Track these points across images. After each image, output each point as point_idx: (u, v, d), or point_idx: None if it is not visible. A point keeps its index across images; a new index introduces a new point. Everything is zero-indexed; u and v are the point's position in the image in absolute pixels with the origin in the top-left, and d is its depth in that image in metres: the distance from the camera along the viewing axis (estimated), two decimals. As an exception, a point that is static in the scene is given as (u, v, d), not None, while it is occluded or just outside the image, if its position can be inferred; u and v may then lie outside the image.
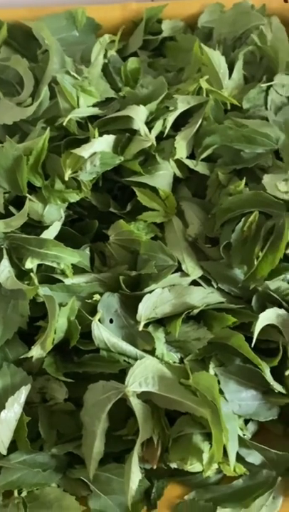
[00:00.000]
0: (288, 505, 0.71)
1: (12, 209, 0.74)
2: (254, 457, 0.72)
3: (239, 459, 0.71)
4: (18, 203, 0.74)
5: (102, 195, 0.79)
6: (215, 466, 0.70)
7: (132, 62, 0.83)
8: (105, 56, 0.83)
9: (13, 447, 0.70)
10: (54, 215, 0.75)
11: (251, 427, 0.74)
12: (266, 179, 0.73)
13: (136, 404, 0.67)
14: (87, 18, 0.87)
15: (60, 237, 0.73)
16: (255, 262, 0.71)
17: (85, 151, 0.72)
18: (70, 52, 0.82)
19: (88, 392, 0.68)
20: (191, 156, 0.80)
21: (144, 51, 0.90)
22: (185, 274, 0.73)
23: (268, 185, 0.72)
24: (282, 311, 0.71)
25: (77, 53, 0.83)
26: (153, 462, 0.70)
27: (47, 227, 0.73)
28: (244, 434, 0.72)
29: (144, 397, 0.68)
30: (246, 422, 0.74)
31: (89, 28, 0.88)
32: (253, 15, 0.86)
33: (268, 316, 0.70)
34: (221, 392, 0.70)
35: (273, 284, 0.72)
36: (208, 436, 0.69)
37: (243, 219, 0.72)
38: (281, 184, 0.71)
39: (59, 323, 0.69)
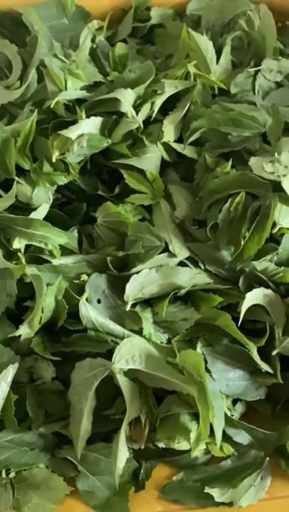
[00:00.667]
0: (276, 485, 0.71)
1: (1, 192, 0.75)
2: (242, 437, 0.72)
3: (227, 438, 0.71)
4: (7, 186, 0.75)
5: (91, 178, 0.79)
6: (203, 446, 0.71)
7: (120, 48, 0.84)
8: (94, 41, 0.84)
9: (0, 427, 0.70)
10: (42, 198, 0.75)
11: (239, 408, 0.74)
12: (253, 161, 0.73)
13: (123, 382, 0.67)
14: (76, 6, 0.88)
15: (49, 220, 0.73)
16: (242, 242, 0.71)
17: (72, 133, 0.72)
18: (59, 39, 0.83)
19: (75, 371, 0.69)
20: (180, 141, 0.80)
21: (133, 38, 0.91)
22: (172, 255, 0.73)
23: (254, 167, 0.72)
24: (269, 292, 0.72)
25: (65, 40, 0.84)
26: (141, 442, 0.70)
27: (35, 209, 0.73)
28: (232, 415, 0.72)
29: (131, 375, 0.68)
30: (234, 402, 0.74)
31: (78, 16, 0.89)
32: (240, 1, 0.87)
33: (255, 296, 0.71)
34: (209, 371, 0.70)
35: (260, 265, 0.72)
36: (195, 416, 0.69)
37: (229, 200, 0.73)
38: (268, 165, 0.72)
39: (46, 302, 0.69)
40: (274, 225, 0.71)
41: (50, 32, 0.83)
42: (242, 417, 0.74)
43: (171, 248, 0.73)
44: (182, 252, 0.74)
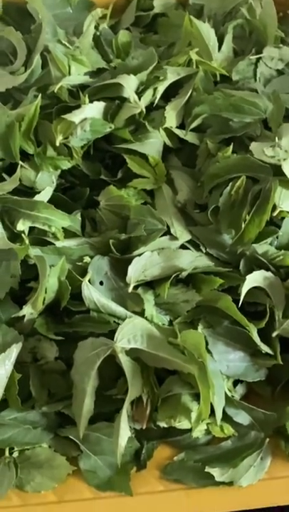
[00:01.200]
0: (276, 465, 0.72)
1: (6, 176, 0.76)
2: (242, 417, 0.73)
3: (227, 419, 0.72)
4: (12, 170, 0.76)
5: (94, 163, 0.81)
6: (203, 426, 0.72)
7: (123, 35, 0.85)
8: (97, 29, 0.85)
9: (4, 406, 0.71)
10: (46, 182, 0.76)
11: (240, 389, 0.75)
12: (253, 145, 0.74)
13: (125, 361, 0.68)
14: (80, -4, 0.89)
15: (52, 204, 0.74)
16: (243, 226, 0.72)
17: (75, 117, 0.73)
18: (63, 27, 0.84)
19: (78, 350, 0.70)
20: (182, 127, 0.81)
21: (136, 27, 0.92)
22: (174, 238, 0.74)
23: (255, 151, 0.73)
24: (269, 274, 0.73)
25: (69, 28, 0.85)
26: (143, 422, 0.71)
27: (39, 192, 0.75)
28: (233, 396, 0.73)
29: (133, 354, 0.69)
30: (235, 384, 0.75)
31: (82, 6, 0.90)
32: (242, -10, 0.88)
33: (255, 278, 0.72)
34: (210, 353, 0.71)
35: (261, 248, 0.73)
36: (196, 397, 0.70)
37: (230, 184, 0.74)
38: (268, 150, 0.73)
39: (49, 282, 0.70)
40: (274, 208, 0.72)
41: (55, 20, 0.84)
42: (242, 399, 0.74)
43: (172, 231, 0.74)
44: (184, 235, 0.75)
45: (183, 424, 0.70)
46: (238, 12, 0.88)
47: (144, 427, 0.71)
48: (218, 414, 0.68)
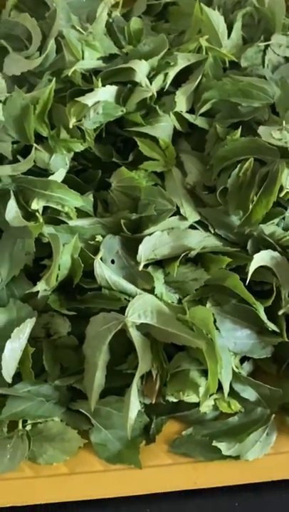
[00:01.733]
0: (281, 441, 0.73)
1: (20, 158, 0.78)
2: (249, 393, 0.75)
3: (234, 394, 0.74)
4: (26, 152, 0.78)
5: (106, 146, 0.83)
6: (211, 402, 0.74)
7: (135, 23, 0.86)
8: (110, 16, 0.87)
9: (18, 380, 0.73)
10: (60, 164, 0.78)
11: (247, 366, 0.77)
12: (261, 129, 0.76)
13: (135, 336, 0.70)
14: (93, -16, 0.91)
15: (66, 185, 0.76)
16: (250, 207, 0.74)
17: (88, 99, 0.75)
18: (76, 14, 0.86)
19: (90, 325, 0.72)
20: (192, 112, 0.83)
21: (147, 16, 0.94)
22: (183, 218, 0.76)
23: (262, 134, 0.75)
24: (276, 254, 0.75)
25: (83, 15, 0.87)
26: (152, 397, 0.73)
27: (53, 174, 0.77)
28: (239, 372, 0.75)
29: (143, 329, 0.71)
30: (242, 362, 0.77)
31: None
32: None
33: (262, 257, 0.73)
34: (218, 330, 0.73)
35: (268, 229, 0.75)
36: (204, 373, 0.72)
37: (238, 166, 0.76)
38: (276, 133, 0.75)
39: (63, 259, 0.72)
40: (281, 189, 0.73)
41: (69, 8, 0.86)
42: (249, 376, 0.76)
43: (182, 212, 0.76)
44: (193, 216, 0.77)
45: (191, 398, 0.72)
46: (246, 0, 0.90)
47: (153, 402, 0.73)
48: (226, 388, 0.70)
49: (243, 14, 0.88)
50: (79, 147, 0.78)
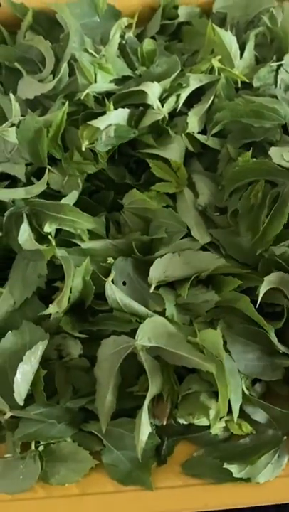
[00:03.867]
0: (293, 463, 0.73)
1: (34, 180, 0.79)
2: (260, 415, 0.75)
3: (245, 417, 0.74)
4: (40, 174, 0.78)
5: (118, 168, 0.83)
6: (222, 424, 0.74)
7: (148, 44, 0.87)
8: (123, 38, 0.87)
9: (30, 402, 0.73)
10: (73, 186, 0.79)
11: (258, 388, 0.77)
12: (272, 150, 0.76)
13: (146, 359, 0.70)
14: (107, 4, 0.92)
15: (78, 206, 0.77)
16: (261, 228, 0.74)
17: (100, 123, 0.76)
18: (90, 36, 0.87)
19: (101, 348, 0.72)
20: (204, 133, 0.83)
21: (161, 36, 0.94)
22: (194, 240, 0.76)
23: (274, 156, 0.75)
24: (287, 276, 0.74)
25: (96, 37, 0.88)
26: (163, 418, 0.73)
27: (66, 196, 0.77)
28: (251, 394, 0.75)
29: (154, 353, 0.71)
30: (253, 383, 0.77)
31: (109, 14, 0.92)
32: (264, -2, 0.90)
33: (273, 280, 0.73)
34: (228, 352, 0.73)
35: (279, 250, 0.75)
36: (214, 395, 0.72)
37: (249, 187, 0.76)
38: (287, 154, 0.75)
39: (74, 282, 0.73)
40: (292, 211, 0.74)
41: (82, 29, 0.86)
42: (260, 398, 0.76)
43: (193, 233, 0.76)
44: (204, 238, 0.77)
45: (202, 421, 0.72)
46: (260, 20, 0.90)
47: (164, 424, 0.73)
48: (235, 412, 0.70)
49: (255, 34, 0.88)
50: (92, 169, 0.79)
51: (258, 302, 0.72)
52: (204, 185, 0.80)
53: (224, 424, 0.74)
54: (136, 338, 0.70)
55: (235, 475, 0.71)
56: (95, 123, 0.76)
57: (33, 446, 0.73)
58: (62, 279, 0.75)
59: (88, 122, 0.76)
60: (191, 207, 0.78)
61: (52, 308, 0.73)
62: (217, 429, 0.74)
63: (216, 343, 0.70)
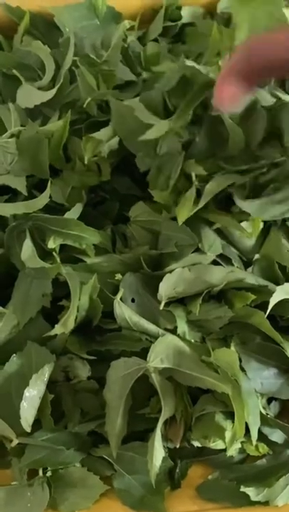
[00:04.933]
0: (312, 485, 0.71)
1: (36, 193, 0.75)
2: (277, 436, 0.72)
3: (262, 437, 0.71)
4: (42, 187, 0.75)
5: (123, 178, 0.79)
6: (238, 445, 0.71)
7: (152, 47, 0.84)
8: (125, 41, 0.84)
9: (37, 427, 0.70)
10: (76, 198, 0.75)
11: (274, 407, 0.74)
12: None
13: (158, 381, 0.67)
14: (107, 6, 0.88)
15: (83, 219, 0.73)
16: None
17: (103, 135, 0.72)
18: (90, 40, 0.83)
19: (110, 370, 0.69)
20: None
21: (164, 38, 0.90)
22: (205, 253, 0.73)
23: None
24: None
25: (97, 40, 0.84)
26: (176, 441, 0.70)
27: (69, 209, 0.74)
28: (267, 414, 0.72)
29: (166, 374, 0.68)
30: (269, 401, 0.74)
31: (109, 17, 0.88)
32: (272, -1, 0.86)
33: (286, 290, 0.70)
34: (243, 370, 0.70)
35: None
36: (230, 415, 0.69)
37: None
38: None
39: (81, 301, 0.69)
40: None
41: (82, 33, 0.83)
42: (277, 417, 0.73)
43: (200, 246, 0.73)
44: (213, 249, 0.73)
45: (217, 444, 0.69)
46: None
47: (177, 446, 0.70)
48: (254, 435, 0.67)
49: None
50: (95, 180, 0.76)
51: (267, 312, 0.69)
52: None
53: (240, 445, 0.71)
54: (148, 359, 0.67)
55: (253, 498, 0.69)
56: (97, 135, 0.72)
57: (40, 473, 0.70)
58: (67, 296, 0.71)
59: (91, 135, 0.72)
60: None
61: (58, 329, 0.69)
62: (233, 450, 0.71)
63: (232, 363, 0.67)
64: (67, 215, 0.72)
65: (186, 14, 0.90)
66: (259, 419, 0.68)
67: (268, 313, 0.68)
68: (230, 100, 0.56)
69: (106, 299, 0.71)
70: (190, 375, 0.67)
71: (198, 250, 0.73)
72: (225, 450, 0.70)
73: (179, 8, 0.90)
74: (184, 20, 0.91)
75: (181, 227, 0.73)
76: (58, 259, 0.71)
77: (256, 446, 0.71)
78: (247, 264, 0.75)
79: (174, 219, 0.75)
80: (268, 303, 0.71)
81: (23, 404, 0.67)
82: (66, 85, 0.78)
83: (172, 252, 0.72)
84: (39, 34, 0.88)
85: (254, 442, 0.68)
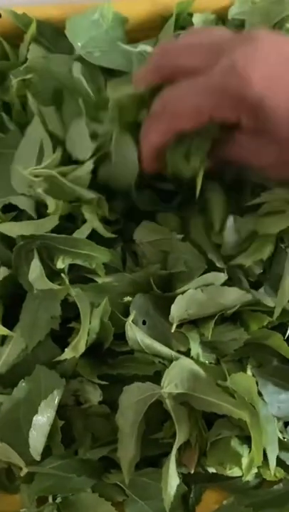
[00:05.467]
0: None
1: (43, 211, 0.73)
2: (294, 460, 0.70)
3: (279, 462, 0.69)
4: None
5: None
6: (255, 470, 0.68)
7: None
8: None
9: (47, 452, 0.68)
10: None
11: (291, 431, 0.72)
12: None
13: (172, 406, 0.65)
14: (113, 12, 0.85)
15: (92, 237, 0.71)
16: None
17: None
18: (99, 48, 0.81)
19: (123, 395, 0.66)
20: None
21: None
22: (217, 274, 0.70)
23: None
24: None
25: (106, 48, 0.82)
26: (191, 466, 0.68)
27: (78, 227, 0.71)
28: (284, 438, 0.69)
29: (181, 399, 0.66)
30: (286, 425, 0.71)
31: (116, 23, 0.86)
32: (287, 4, 0.83)
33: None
34: (260, 393, 0.68)
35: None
36: (247, 440, 0.67)
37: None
38: None
39: (92, 324, 0.67)
40: None
41: (92, 42, 0.81)
42: (293, 441, 0.71)
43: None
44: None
45: (234, 471, 0.67)
46: (282, 27, 0.83)
47: (192, 472, 0.68)
48: (272, 464, 0.65)
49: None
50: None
51: (287, 335, 0.67)
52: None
53: (256, 471, 0.69)
54: (162, 384, 0.65)
55: (270, 525, 0.67)
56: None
57: (50, 499, 0.68)
58: (77, 318, 0.69)
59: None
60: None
61: (68, 353, 0.67)
62: (249, 476, 0.68)
63: (250, 388, 0.64)
64: (77, 233, 0.70)
65: (197, 21, 0.87)
66: (277, 447, 0.66)
67: (287, 335, 0.66)
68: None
69: (117, 321, 0.68)
70: (206, 400, 0.65)
71: (210, 271, 0.70)
72: (241, 476, 0.67)
73: (191, 14, 0.87)
74: (196, 26, 0.88)
75: (190, 248, 0.71)
76: (67, 281, 0.68)
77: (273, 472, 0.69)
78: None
79: (184, 239, 0.73)
80: (284, 324, 0.69)
81: (32, 432, 0.64)
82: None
83: (182, 272, 0.70)
84: (46, 42, 0.85)
85: (272, 471, 0.65)
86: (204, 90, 0.60)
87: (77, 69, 0.75)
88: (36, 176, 0.69)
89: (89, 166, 0.69)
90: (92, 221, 0.71)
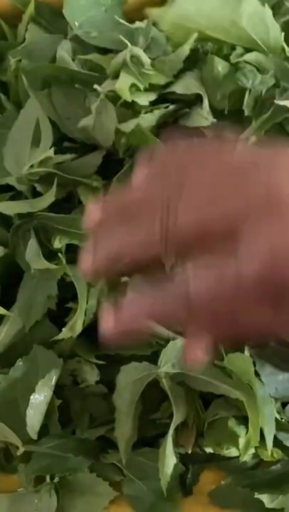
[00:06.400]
0: None
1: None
2: (292, 441, 0.70)
3: (277, 442, 0.68)
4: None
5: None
6: (252, 450, 0.68)
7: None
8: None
9: (44, 432, 0.68)
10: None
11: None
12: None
13: (169, 386, 0.65)
14: (112, -8, 0.85)
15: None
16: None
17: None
18: (99, 30, 0.80)
19: (120, 374, 0.67)
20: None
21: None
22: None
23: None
24: None
25: (104, 28, 0.81)
26: (188, 446, 0.68)
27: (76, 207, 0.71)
28: (282, 418, 0.69)
29: (178, 379, 0.66)
30: (284, 405, 0.71)
31: (115, 3, 0.85)
32: (286, -17, 0.82)
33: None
34: (257, 374, 0.68)
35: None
36: (244, 420, 0.67)
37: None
38: None
39: (89, 304, 0.67)
40: None
41: (91, 23, 0.80)
42: (291, 421, 0.71)
43: None
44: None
45: (231, 451, 0.67)
46: (281, 7, 0.82)
47: (189, 452, 0.68)
48: (269, 444, 0.65)
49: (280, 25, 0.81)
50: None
51: None
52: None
53: (254, 451, 0.69)
54: (159, 364, 0.65)
55: (267, 505, 0.67)
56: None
57: (48, 479, 0.68)
58: (74, 297, 0.69)
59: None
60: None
61: (65, 333, 0.67)
62: (247, 456, 0.68)
63: (247, 369, 0.64)
64: (74, 213, 0.69)
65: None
66: (274, 427, 0.66)
67: None
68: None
69: (114, 301, 0.68)
70: (202, 380, 0.65)
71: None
72: (238, 456, 0.67)
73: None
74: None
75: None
76: (64, 260, 0.68)
77: (271, 452, 0.69)
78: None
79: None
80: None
81: (30, 411, 0.65)
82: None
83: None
84: (45, 22, 0.84)
85: (269, 451, 0.65)
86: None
87: (63, 47, 0.75)
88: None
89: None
90: (88, 202, 0.70)
